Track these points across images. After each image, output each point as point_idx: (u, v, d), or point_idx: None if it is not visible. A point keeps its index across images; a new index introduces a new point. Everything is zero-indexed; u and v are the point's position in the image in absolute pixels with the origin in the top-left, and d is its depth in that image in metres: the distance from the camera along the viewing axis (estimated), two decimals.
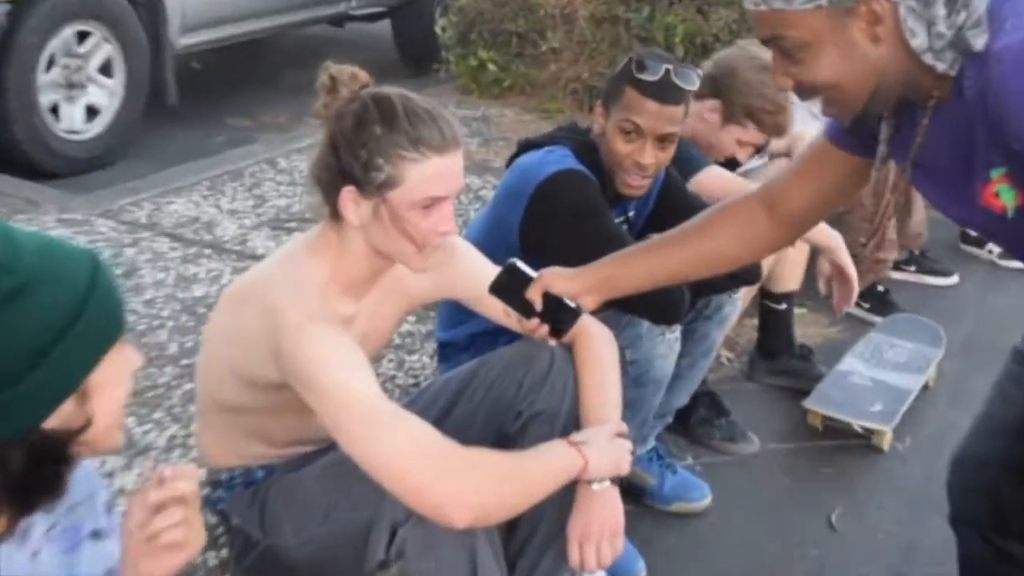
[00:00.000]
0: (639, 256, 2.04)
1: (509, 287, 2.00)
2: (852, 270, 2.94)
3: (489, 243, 2.38)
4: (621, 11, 5.83)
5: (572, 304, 1.99)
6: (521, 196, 2.44)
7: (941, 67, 1.51)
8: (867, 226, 3.87)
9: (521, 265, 2.01)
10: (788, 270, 3.37)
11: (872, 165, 1.72)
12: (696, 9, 5.55)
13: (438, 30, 6.55)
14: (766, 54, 1.90)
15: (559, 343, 2.04)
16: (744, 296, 2.99)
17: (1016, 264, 4.57)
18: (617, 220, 2.61)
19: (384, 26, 7.35)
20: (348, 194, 1.87)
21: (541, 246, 2.41)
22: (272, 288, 1.89)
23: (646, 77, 2.45)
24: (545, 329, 2.00)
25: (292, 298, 1.86)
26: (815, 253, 3.08)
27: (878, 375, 3.48)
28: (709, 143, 3.11)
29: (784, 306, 3.46)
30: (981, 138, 1.52)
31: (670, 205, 2.70)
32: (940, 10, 1.48)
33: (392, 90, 1.89)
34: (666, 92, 2.45)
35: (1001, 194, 1.55)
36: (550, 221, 2.41)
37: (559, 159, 2.47)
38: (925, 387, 3.54)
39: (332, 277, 1.93)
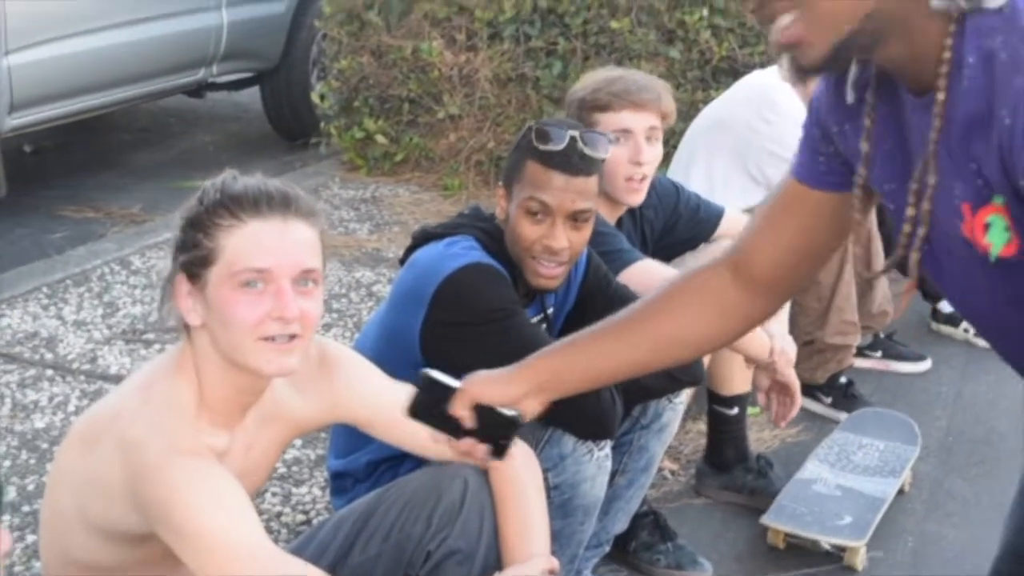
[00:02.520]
0: (589, 344, 1.92)
1: (429, 405, 1.88)
2: (793, 380, 3.03)
3: (385, 354, 2.42)
4: (528, 69, 5.97)
5: (509, 413, 1.87)
6: (420, 298, 2.46)
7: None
8: (817, 307, 3.99)
9: (437, 375, 1.90)
10: (735, 368, 3.43)
11: (849, 200, 1.63)
12: (615, 64, 5.69)
13: (315, 98, 6.62)
14: None
15: (497, 461, 1.93)
16: (686, 397, 3.04)
17: None
18: (534, 319, 2.64)
19: (252, 94, 7.41)
20: (180, 286, 1.92)
21: (446, 356, 2.42)
22: (128, 420, 1.89)
23: (549, 147, 2.48)
24: (483, 449, 1.88)
25: (152, 429, 1.86)
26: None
27: (846, 481, 3.54)
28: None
29: (735, 410, 3.51)
30: (979, 152, 1.39)
31: (594, 297, 2.74)
32: None
33: (234, 171, 1.98)
34: (573, 163, 2.49)
35: (991, 227, 1.42)
36: (455, 327, 2.43)
37: (462, 252, 2.49)
38: (900, 492, 3.61)
39: (198, 403, 1.94)
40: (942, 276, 1.56)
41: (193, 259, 1.90)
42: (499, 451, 1.89)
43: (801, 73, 1.48)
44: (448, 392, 1.87)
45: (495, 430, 1.87)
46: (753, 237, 1.83)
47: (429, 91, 6.18)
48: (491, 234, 2.58)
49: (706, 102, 4.99)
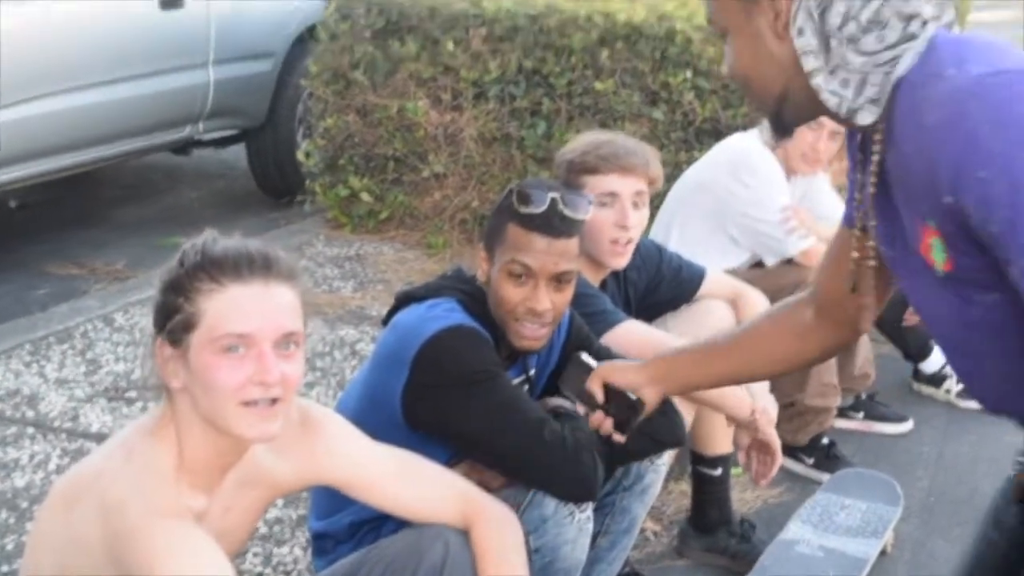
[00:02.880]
0: (699, 353, 2.34)
1: (573, 379, 2.40)
2: (773, 438, 3.06)
3: (367, 415, 2.43)
4: (513, 129, 6.01)
5: (633, 396, 2.30)
6: (402, 361, 2.47)
7: (819, 83, 1.75)
8: (798, 371, 4.01)
9: (585, 356, 2.41)
10: (718, 428, 3.44)
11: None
12: (599, 125, 5.74)
13: (301, 156, 6.65)
14: None
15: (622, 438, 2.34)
16: (668, 458, 3.05)
17: (975, 404, 4.72)
18: (516, 381, 2.66)
19: (238, 152, 7.44)
20: (162, 350, 1.92)
21: (429, 418, 2.45)
22: (108, 480, 1.89)
23: (531, 210, 2.50)
24: (609, 423, 2.35)
25: (133, 490, 1.86)
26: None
27: (829, 542, 3.54)
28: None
29: (719, 471, 3.51)
30: (918, 180, 1.66)
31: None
32: (833, 19, 1.72)
33: (214, 232, 1.98)
34: (555, 225, 2.51)
35: (934, 249, 1.68)
36: (437, 389, 2.44)
37: (444, 314, 2.51)
38: (882, 552, 3.61)
39: (178, 464, 1.95)
40: (914, 297, 1.83)
41: (174, 324, 1.90)
42: (620, 428, 2.33)
43: (775, 133, 1.89)
44: (588, 370, 2.36)
45: (620, 409, 2.32)
46: (822, 276, 2.14)
47: (414, 150, 6.22)
48: (473, 296, 2.60)
49: (689, 163, 5.03)
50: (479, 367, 2.46)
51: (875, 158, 1.77)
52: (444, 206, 6.20)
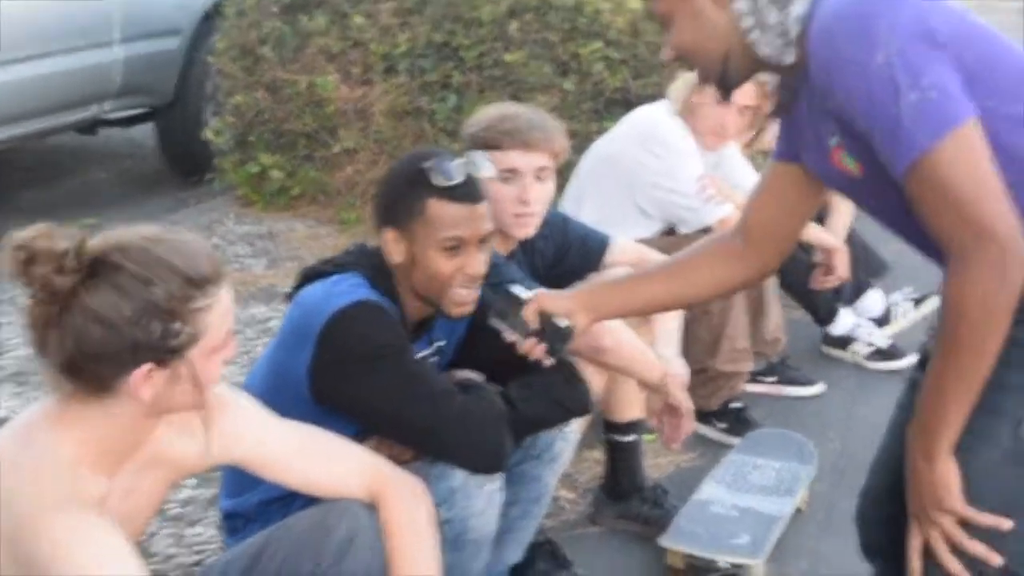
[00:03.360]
0: (631, 281, 2.56)
1: (506, 309, 2.47)
2: (683, 402, 3.09)
3: (274, 393, 2.41)
4: (424, 102, 5.99)
5: (564, 323, 2.43)
6: (307, 337, 2.45)
7: (757, 38, 2.06)
8: (708, 336, 4.05)
9: (516, 289, 2.51)
10: (629, 394, 3.46)
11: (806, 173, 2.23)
12: (510, 96, 5.73)
13: (210, 133, 6.58)
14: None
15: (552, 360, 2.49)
16: (579, 426, 3.07)
17: (885, 365, 4.82)
18: (422, 354, 2.66)
19: (146, 131, 7.34)
20: (142, 373, 1.90)
21: (335, 394, 2.44)
22: (6, 468, 1.86)
23: (450, 182, 2.52)
24: (541, 348, 2.46)
25: (31, 484, 1.84)
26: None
27: (743, 501, 3.58)
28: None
29: (631, 437, 3.53)
30: (816, 106, 2.05)
31: (484, 328, 2.74)
32: None
33: (124, 234, 1.93)
34: (474, 191, 2.55)
35: (846, 162, 2.05)
36: (342, 364, 2.43)
37: (348, 290, 2.50)
38: (797, 511, 3.66)
39: (80, 452, 1.92)
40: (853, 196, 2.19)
41: (169, 347, 1.90)
42: (553, 350, 2.46)
43: (723, 92, 2.19)
44: (521, 301, 2.46)
45: (552, 335, 2.44)
46: (747, 206, 2.39)
47: (325, 125, 6.17)
48: (377, 270, 2.59)
49: (600, 133, 5.04)
50: (384, 342, 2.46)
51: (802, 86, 2.09)
52: (356, 181, 6.18)
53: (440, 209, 2.52)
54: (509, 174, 3.08)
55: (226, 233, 6.01)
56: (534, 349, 2.48)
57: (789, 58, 2.06)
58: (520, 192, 3.10)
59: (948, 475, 2.00)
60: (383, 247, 2.61)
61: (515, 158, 3.10)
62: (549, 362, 2.50)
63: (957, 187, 1.87)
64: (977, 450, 2.02)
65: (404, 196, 2.57)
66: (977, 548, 2.01)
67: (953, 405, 1.96)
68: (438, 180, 2.51)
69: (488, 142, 3.08)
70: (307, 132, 6.22)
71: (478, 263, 2.55)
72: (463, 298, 2.58)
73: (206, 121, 6.95)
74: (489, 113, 3.20)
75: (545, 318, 2.45)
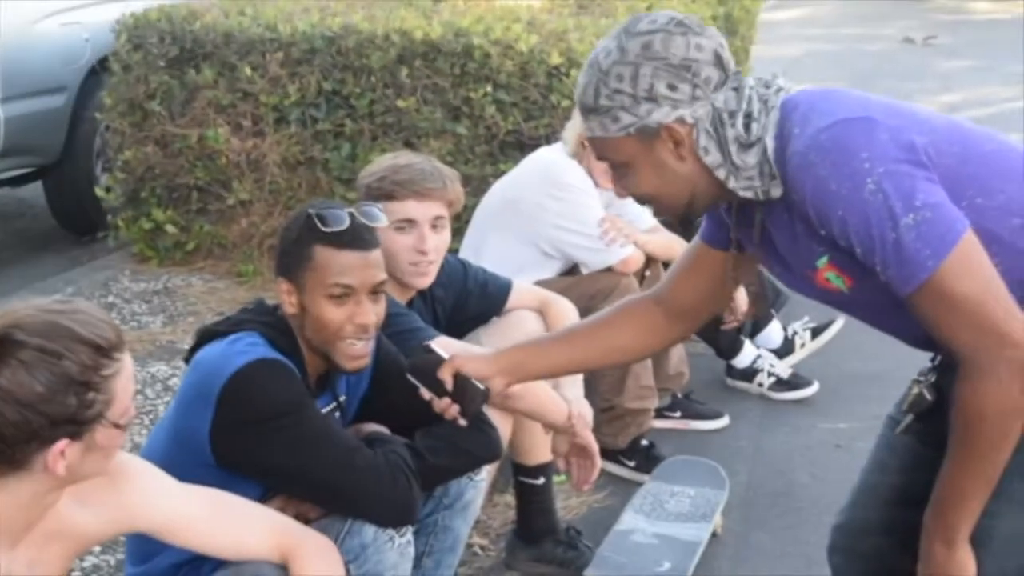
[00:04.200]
0: (549, 345, 2.57)
1: (423, 368, 2.47)
2: (591, 442, 3.10)
3: (175, 457, 2.38)
4: (317, 152, 5.95)
5: (481, 386, 2.44)
6: (206, 399, 2.42)
7: (734, 185, 2.08)
8: (614, 374, 4.06)
9: (435, 346, 2.51)
10: (536, 437, 3.44)
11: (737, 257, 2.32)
12: (404, 143, 5.72)
13: (100, 191, 6.48)
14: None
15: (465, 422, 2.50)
16: (489, 472, 3.05)
17: (788, 395, 4.87)
18: (326, 409, 2.63)
19: (36, 189, 7.19)
20: (59, 448, 1.88)
21: (238, 455, 2.41)
22: None
23: (336, 228, 2.50)
24: (455, 409, 2.46)
25: None
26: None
27: (662, 529, 3.63)
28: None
29: (541, 480, 3.52)
30: (800, 232, 2.09)
31: (390, 379, 2.75)
32: (728, 131, 2.06)
33: (17, 310, 1.90)
34: (364, 238, 2.54)
35: (831, 280, 2.11)
36: (245, 425, 2.40)
37: (247, 348, 2.47)
38: (713, 535, 3.71)
39: None
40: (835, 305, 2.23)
41: (85, 417, 1.90)
42: (468, 413, 2.48)
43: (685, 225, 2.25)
44: (439, 360, 2.45)
45: (468, 396, 2.45)
46: (674, 282, 2.46)
47: (217, 178, 6.10)
48: (276, 328, 2.56)
49: (495, 176, 5.05)
50: (285, 399, 2.43)
51: (758, 218, 2.18)
52: (252, 233, 6.10)
53: (327, 256, 2.50)
54: (405, 224, 3.08)
55: (122, 291, 5.90)
56: (449, 409, 2.47)
57: (777, 191, 2.08)
58: (416, 242, 3.09)
59: (965, 561, 2.09)
60: (279, 298, 2.58)
61: (411, 208, 3.09)
62: (463, 423, 2.50)
63: (969, 299, 1.96)
64: (1004, 514, 2.10)
65: (294, 244, 2.54)
66: None
67: (973, 500, 2.05)
68: (324, 227, 2.49)
69: (383, 192, 3.07)
70: (200, 185, 6.14)
71: (368, 313, 2.52)
72: (356, 351, 2.55)
73: (97, 178, 6.83)
74: (383, 163, 3.19)
75: (462, 379, 2.45)
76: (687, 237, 3.09)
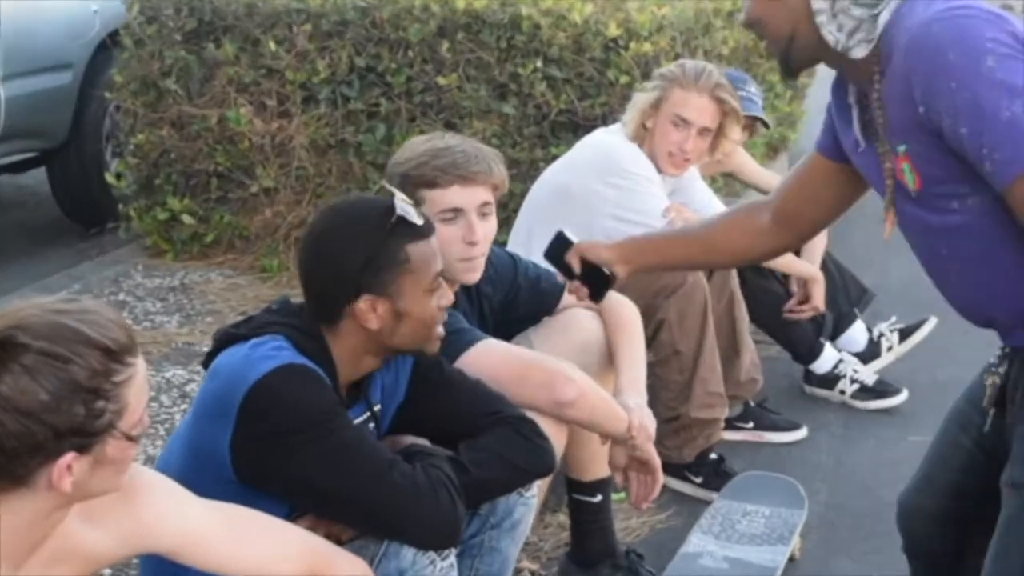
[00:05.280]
0: (667, 239, 3.09)
1: (557, 253, 2.93)
2: (652, 455, 3.09)
3: (192, 472, 2.38)
4: (349, 134, 5.97)
5: (607, 271, 2.87)
6: (227, 410, 2.42)
7: (830, 36, 2.32)
8: (679, 379, 4.05)
9: (567, 232, 2.95)
10: (594, 451, 3.42)
11: (854, 171, 2.54)
12: (444, 124, 5.73)
13: (111, 177, 6.52)
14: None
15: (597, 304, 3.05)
16: (541, 488, 3.05)
17: (874, 404, 4.84)
18: (359, 419, 2.63)
19: (39, 176, 7.26)
20: (64, 463, 1.88)
21: (263, 471, 2.42)
22: None
23: (418, 220, 2.58)
24: (585, 291, 2.91)
25: None
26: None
27: (733, 552, 3.62)
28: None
29: (598, 497, 3.50)
30: (894, 112, 2.28)
31: (427, 387, 2.75)
32: None
33: (21, 309, 1.91)
34: (429, 221, 2.65)
35: (906, 173, 2.30)
36: (269, 438, 2.40)
37: (271, 353, 2.46)
38: (790, 559, 3.69)
39: None
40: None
41: (94, 428, 1.89)
42: (596, 296, 2.93)
43: (783, 73, 2.51)
44: (569, 244, 2.92)
45: (595, 280, 2.90)
46: (787, 191, 2.79)
47: (239, 164, 6.13)
48: (303, 331, 2.55)
49: (546, 160, 5.05)
50: (314, 409, 2.43)
51: (876, 89, 2.32)
52: (277, 224, 6.13)
53: (421, 250, 2.58)
54: (451, 213, 3.06)
55: (134, 288, 5.94)
56: (579, 291, 2.92)
57: (860, 53, 2.31)
58: (465, 232, 3.07)
59: None
60: (357, 319, 2.56)
61: (456, 195, 3.07)
62: (592, 304, 3.05)
63: None
64: None
65: (380, 253, 2.54)
66: None
67: None
68: (412, 221, 2.56)
69: (424, 180, 3.05)
70: (220, 172, 6.18)
71: (449, 292, 2.71)
72: (440, 332, 2.67)
73: (107, 164, 6.89)
74: (417, 147, 3.15)
75: (588, 264, 2.89)
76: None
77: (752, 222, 2.85)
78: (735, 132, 4.36)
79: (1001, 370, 2.43)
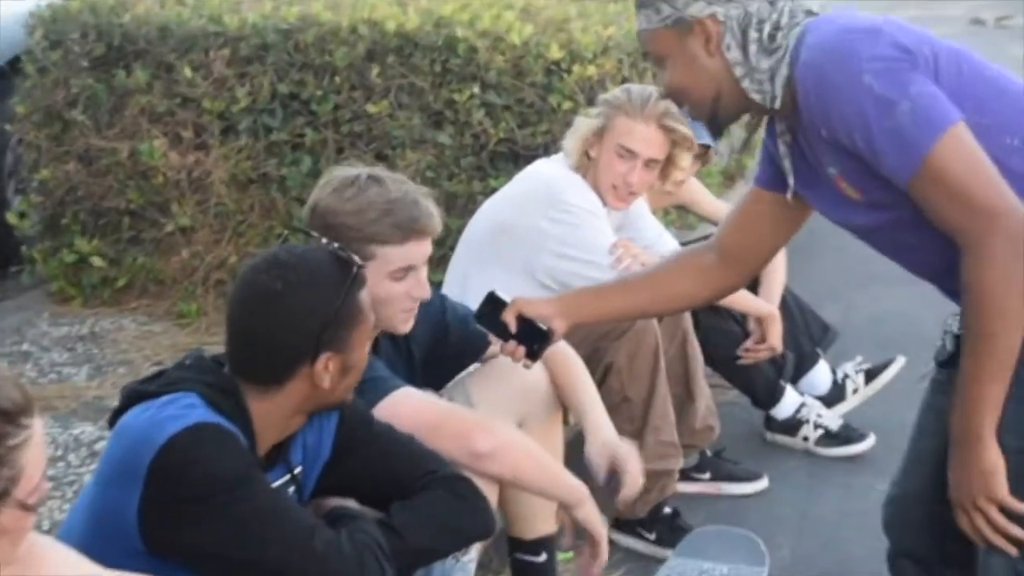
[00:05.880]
0: (608, 289, 3.18)
1: (489, 314, 3.00)
2: (598, 526, 3.07)
3: (97, 540, 2.35)
4: (271, 167, 5.94)
5: (543, 326, 2.96)
6: (133, 473, 2.39)
7: (748, 85, 2.62)
8: (629, 428, 4.04)
9: (499, 292, 3.02)
10: (537, 506, 3.42)
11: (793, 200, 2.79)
12: (375, 155, 5.71)
13: (12, 217, 6.45)
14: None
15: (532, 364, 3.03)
16: (478, 551, 3.03)
17: (839, 451, 4.85)
18: (278, 483, 2.61)
19: None
20: None
21: (173, 540, 2.39)
22: None
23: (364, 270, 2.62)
24: (521, 351, 2.97)
25: None
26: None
27: None
28: None
29: (543, 557, 3.51)
30: (812, 143, 2.61)
31: (354, 444, 2.74)
32: (752, 34, 2.60)
33: None
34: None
35: (846, 189, 2.60)
36: (180, 503, 2.38)
37: (181, 412, 2.44)
38: None
39: None
40: (841, 219, 2.72)
41: None
42: (533, 355, 2.99)
43: (711, 132, 2.83)
44: (503, 305, 2.98)
45: (532, 338, 2.97)
46: (725, 224, 3.02)
47: (153, 201, 6.09)
48: (218, 387, 2.53)
49: (485, 193, 5.05)
50: (227, 473, 2.41)
51: (782, 140, 2.71)
52: (195, 266, 6.08)
53: (366, 300, 2.62)
54: (403, 272, 3.04)
55: (39, 337, 5.89)
56: (516, 351, 2.97)
57: (778, 102, 2.61)
58: (414, 287, 3.07)
59: (994, 460, 2.50)
60: (312, 378, 2.55)
61: (411, 251, 3.05)
62: (529, 365, 3.02)
63: (961, 177, 2.42)
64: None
65: (342, 308, 2.55)
66: (1019, 532, 2.52)
67: (990, 385, 2.47)
68: (360, 268, 2.60)
69: (379, 238, 3.01)
70: (132, 210, 6.14)
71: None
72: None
73: (8, 202, 6.81)
74: (362, 197, 3.06)
75: (525, 322, 2.96)
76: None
77: (697, 263, 3.02)
78: (686, 161, 4.37)
79: (958, 330, 2.68)
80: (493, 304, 3.00)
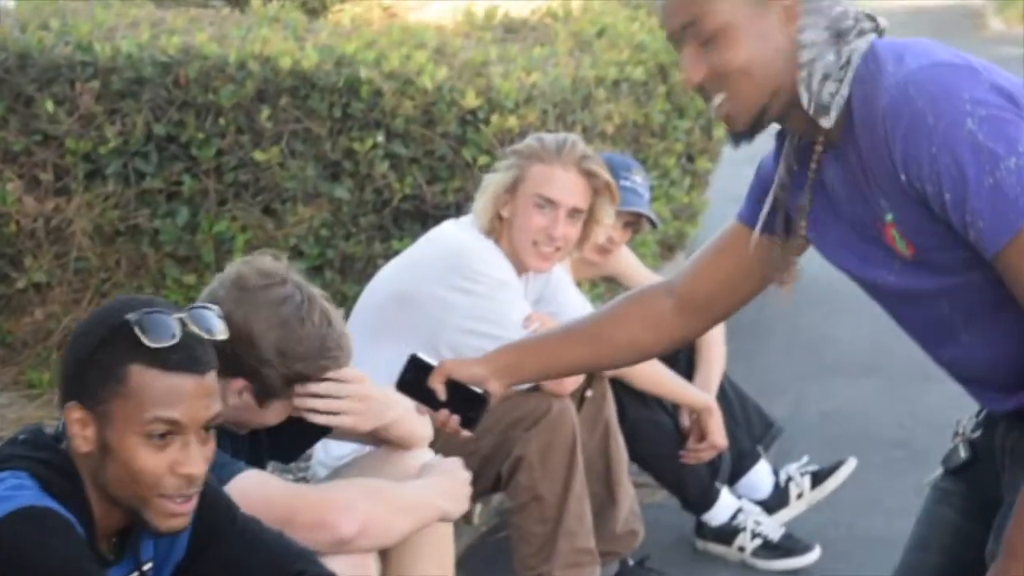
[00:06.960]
0: (547, 342, 3.09)
1: (414, 381, 2.94)
2: None
3: None
4: (144, 218, 5.90)
5: (477, 390, 2.90)
6: None
7: (804, 91, 2.44)
8: (541, 530, 4.01)
9: (422, 356, 2.97)
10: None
11: (775, 243, 2.71)
12: (262, 209, 5.69)
13: None
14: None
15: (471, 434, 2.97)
16: None
17: (779, 564, 4.86)
18: None
19: None
20: None
21: None
22: None
23: (163, 343, 2.45)
24: (455, 420, 2.91)
25: None
26: None
27: None
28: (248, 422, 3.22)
29: None
30: (863, 182, 2.46)
31: (213, 540, 2.70)
32: (836, 10, 2.45)
33: None
34: (199, 357, 2.49)
35: (896, 241, 2.46)
36: None
37: (6, 495, 2.39)
38: None
39: None
40: (879, 285, 2.58)
41: None
42: (469, 423, 2.92)
43: (736, 140, 2.55)
44: (428, 369, 2.93)
45: (465, 404, 2.90)
46: (693, 264, 2.92)
47: (4, 252, 6.04)
48: (54, 466, 2.49)
49: (386, 256, 5.04)
50: (56, 566, 2.35)
51: (813, 167, 2.56)
52: (50, 328, 6.04)
53: (149, 379, 2.46)
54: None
55: None
56: (449, 422, 2.92)
57: (827, 122, 2.46)
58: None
59: None
60: (67, 430, 2.51)
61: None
62: (466, 435, 2.97)
63: None
64: None
65: (95, 360, 2.49)
66: None
67: None
68: (147, 338, 2.45)
69: (313, 374, 3.17)
70: None
71: (197, 460, 2.48)
72: (178, 508, 2.50)
73: None
74: (296, 329, 3.12)
75: (456, 387, 2.91)
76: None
77: (651, 310, 2.94)
78: (608, 215, 4.37)
79: (976, 435, 2.67)
80: (417, 369, 2.95)
